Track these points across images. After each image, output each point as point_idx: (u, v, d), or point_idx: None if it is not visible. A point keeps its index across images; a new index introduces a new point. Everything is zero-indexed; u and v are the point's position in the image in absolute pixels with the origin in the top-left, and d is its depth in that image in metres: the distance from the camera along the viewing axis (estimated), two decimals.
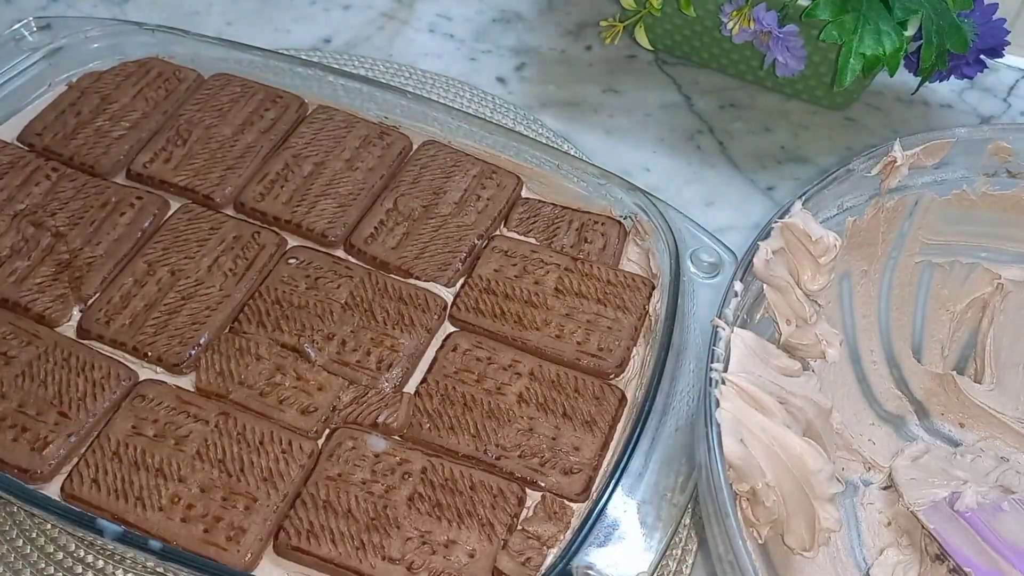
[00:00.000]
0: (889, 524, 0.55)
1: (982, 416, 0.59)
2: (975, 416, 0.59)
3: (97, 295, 0.59)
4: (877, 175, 0.55)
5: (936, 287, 0.60)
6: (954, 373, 0.60)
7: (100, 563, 0.54)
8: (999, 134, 0.55)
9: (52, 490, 0.52)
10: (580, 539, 0.49)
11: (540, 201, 0.67)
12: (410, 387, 0.57)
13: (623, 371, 0.58)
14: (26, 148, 0.67)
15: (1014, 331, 0.59)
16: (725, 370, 0.46)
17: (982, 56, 0.74)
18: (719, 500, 0.43)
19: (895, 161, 0.54)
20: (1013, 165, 0.56)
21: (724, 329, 0.47)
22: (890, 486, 0.57)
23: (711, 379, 0.46)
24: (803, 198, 0.52)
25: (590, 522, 0.49)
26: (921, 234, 0.59)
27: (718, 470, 0.43)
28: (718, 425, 0.44)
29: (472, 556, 0.50)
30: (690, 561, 0.56)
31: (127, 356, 0.57)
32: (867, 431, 0.59)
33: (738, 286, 0.49)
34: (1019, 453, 0.58)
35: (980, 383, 0.60)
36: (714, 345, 0.47)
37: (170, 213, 0.64)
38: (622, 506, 0.50)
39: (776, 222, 0.51)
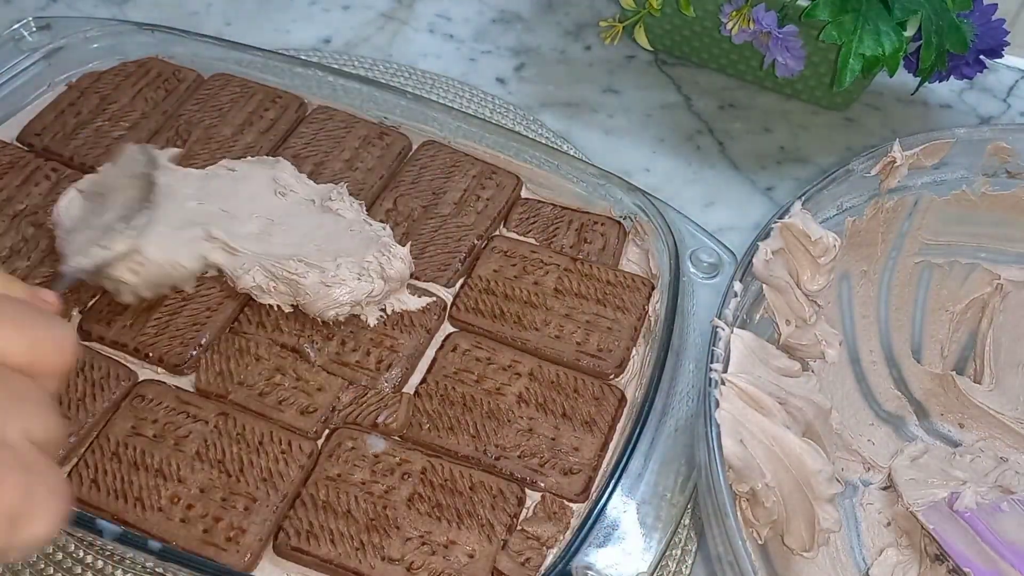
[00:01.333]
0: (888, 524, 0.56)
1: (981, 416, 0.59)
2: (974, 416, 0.59)
3: (97, 296, 0.59)
4: (876, 175, 0.55)
5: (935, 287, 0.60)
6: (953, 373, 0.60)
7: (100, 563, 0.54)
8: (998, 134, 0.56)
9: None
10: (580, 539, 0.49)
11: (540, 201, 0.67)
12: (410, 387, 0.57)
13: (623, 371, 0.58)
14: (26, 148, 0.67)
15: (1013, 331, 0.60)
16: (725, 370, 0.46)
17: (981, 56, 0.74)
18: (718, 500, 0.43)
19: (894, 161, 0.54)
20: (1012, 165, 0.56)
21: (724, 329, 0.47)
22: (889, 486, 0.57)
23: (711, 379, 0.46)
24: (803, 198, 0.52)
25: (590, 522, 0.49)
26: (920, 234, 0.59)
27: (717, 470, 0.43)
28: (718, 425, 0.44)
29: (472, 556, 0.50)
30: (690, 561, 0.56)
31: (127, 356, 0.57)
32: (866, 431, 0.59)
33: (738, 286, 0.49)
34: (1018, 453, 0.58)
35: (979, 383, 0.60)
36: (714, 345, 0.47)
37: None
38: (622, 506, 0.50)
39: (775, 222, 0.51)
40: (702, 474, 0.45)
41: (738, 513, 0.44)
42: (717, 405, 0.45)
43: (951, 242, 0.59)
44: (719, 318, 0.48)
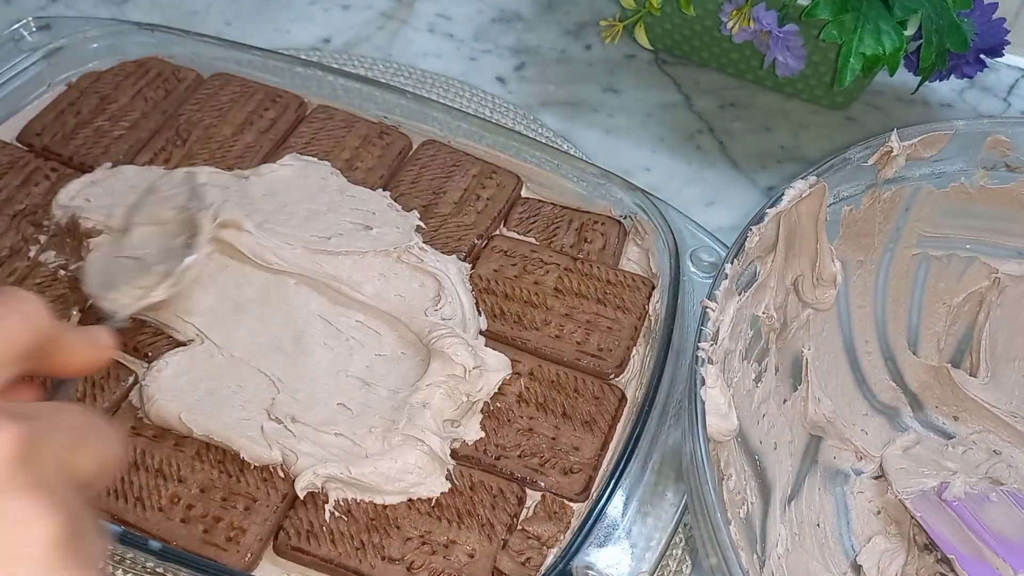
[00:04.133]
0: (879, 513, 0.56)
1: (976, 410, 0.59)
2: (969, 409, 0.59)
3: None
4: (874, 165, 0.55)
5: (933, 280, 0.60)
6: (949, 366, 0.60)
7: (100, 563, 0.54)
8: (998, 127, 0.55)
9: None
10: (580, 539, 0.49)
11: (540, 201, 0.67)
12: None
13: (623, 371, 0.58)
14: (25, 148, 0.67)
15: (1010, 326, 0.60)
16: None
17: (982, 55, 0.73)
18: (700, 479, 0.43)
19: (892, 151, 0.54)
20: (1012, 159, 0.56)
21: (713, 310, 0.47)
22: (881, 476, 0.57)
23: (698, 357, 0.46)
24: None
25: (590, 522, 0.49)
26: (918, 226, 0.59)
27: (701, 446, 0.43)
28: (703, 402, 0.44)
29: (472, 556, 0.50)
30: (690, 561, 0.56)
31: (127, 356, 0.57)
32: (860, 421, 0.59)
33: (729, 268, 0.49)
34: (1012, 447, 0.58)
35: (975, 377, 0.60)
36: (702, 325, 0.47)
37: None
38: (622, 506, 0.50)
39: (768, 208, 0.51)
40: (686, 449, 0.45)
41: (720, 490, 0.44)
42: (703, 383, 0.45)
43: (949, 235, 0.59)
44: (709, 299, 0.48)
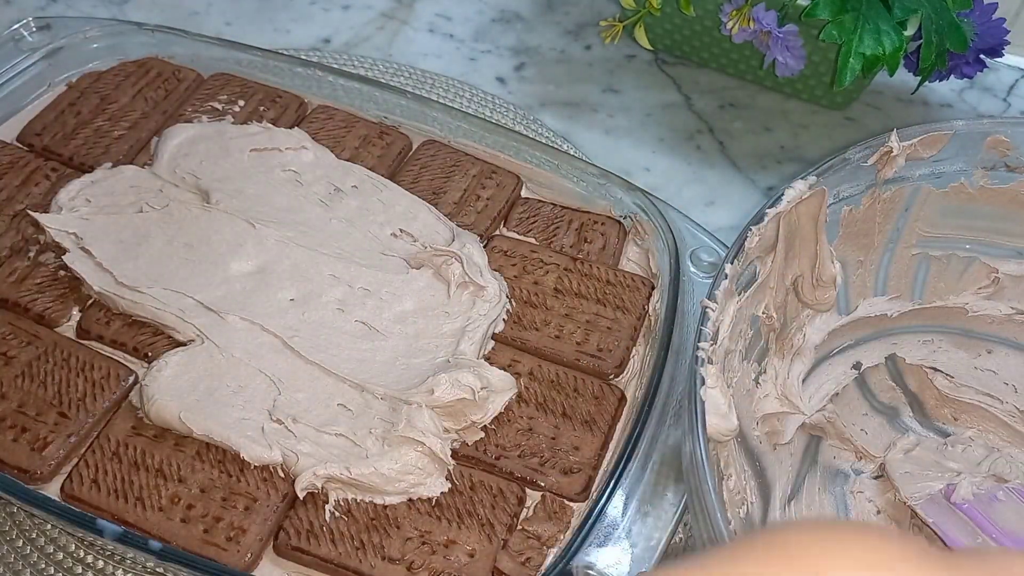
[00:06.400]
0: (878, 513, 0.56)
1: (975, 410, 0.59)
2: (968, 410, 0.59)
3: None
4: (874, 165, 0.55)
5: (933, 280, 0.60)
6: None
7: (100, 563, 0.54)
8: (998, 127, 0.55)
9: (52, 490, 0.52)
10: (580, 539, 0.49)
11: (540, 201, 0.67)
12: None
13: (623, 371, 0.58)
14: (26, 148, 0.67)
15: None
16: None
17: (982, 56, 0.74)
18: (699, 478, 0.43)
19: (891, 151, 0.54)
20: (1011, 159, 0.56)
21: (713, 310, 0.47)
22: (880, 475, 0.57)
23: (698, 357, 0.46)
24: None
25: (590, 522, 0.49)
26: (918, 226, 0.59)
27: (701, 446, 0.43)
28: (703, 402, 0.44)
29: (472, 556, 0.50)
30: None
31: (127, 356, 0.57)
32: (859, 421, 0.59)
33: (729, 269, 0.49)
34: (1011, 447, 0.58)
35: None
36: (702, 325, 0.47)
37: None
38: (622, 506, 0.50)
39: (768, 208, 0.51)
40: (686, 449, 0.45)
41: (720, 489, 0.44)
42: (703, 383, 0.45)
43: (949, 235, 0.59)
44: (709, 299, 0.48)
